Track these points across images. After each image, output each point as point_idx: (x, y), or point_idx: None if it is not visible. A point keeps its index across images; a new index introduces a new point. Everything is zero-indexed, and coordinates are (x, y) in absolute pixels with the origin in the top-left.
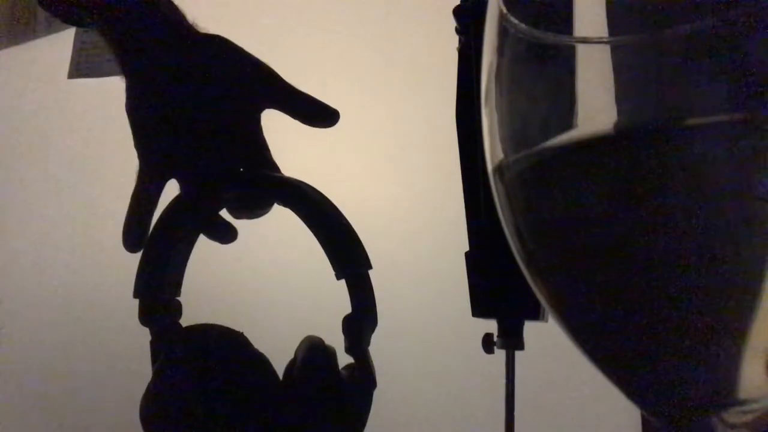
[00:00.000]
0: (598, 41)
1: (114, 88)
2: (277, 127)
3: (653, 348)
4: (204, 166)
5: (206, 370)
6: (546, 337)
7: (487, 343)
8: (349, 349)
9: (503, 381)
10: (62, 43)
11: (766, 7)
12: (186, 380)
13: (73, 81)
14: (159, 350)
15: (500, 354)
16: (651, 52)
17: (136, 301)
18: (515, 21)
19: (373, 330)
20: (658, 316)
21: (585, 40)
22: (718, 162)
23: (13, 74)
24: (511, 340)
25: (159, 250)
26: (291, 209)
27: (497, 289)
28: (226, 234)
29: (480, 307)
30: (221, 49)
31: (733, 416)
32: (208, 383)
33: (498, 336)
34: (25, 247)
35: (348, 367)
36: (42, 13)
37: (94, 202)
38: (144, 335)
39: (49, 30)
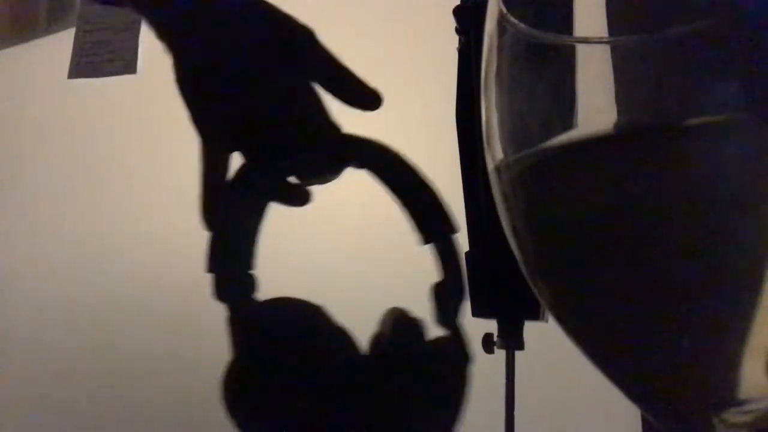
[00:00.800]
0: (598, 41)
1: (114, 88)
2: None
3: (653, 348)
4: (264, 132)
5: (289, 346)
6: (546, 337)
7: (487, 343)
8: (439, 320)
9: (503, 381)
10: (62, 43)
11: (765, 6)
12: (269, 356)
13: (73, 81)
14: (237, 326)
15: (500, 354)
16: (651, 52)
17: (138, 303)
18: (515, 21)
19: (463, 300)
20: (658, 316)
21: (585, 40)
22: (718, 162)
23: (13, 74)
24: (511, 340)
25: (229, 222)
26: (368, 170)
27: (497, 289)
28: (298, 197)
29: (480, 307)
30: (262, 13)
31: (733, 416)
32: (291, 359)
33: (498, 336)
34: (25, 247)
35: (437, 340)
36: (42, 13)
37: (95, 202)
38: (147, 336)
39: (49, 30)
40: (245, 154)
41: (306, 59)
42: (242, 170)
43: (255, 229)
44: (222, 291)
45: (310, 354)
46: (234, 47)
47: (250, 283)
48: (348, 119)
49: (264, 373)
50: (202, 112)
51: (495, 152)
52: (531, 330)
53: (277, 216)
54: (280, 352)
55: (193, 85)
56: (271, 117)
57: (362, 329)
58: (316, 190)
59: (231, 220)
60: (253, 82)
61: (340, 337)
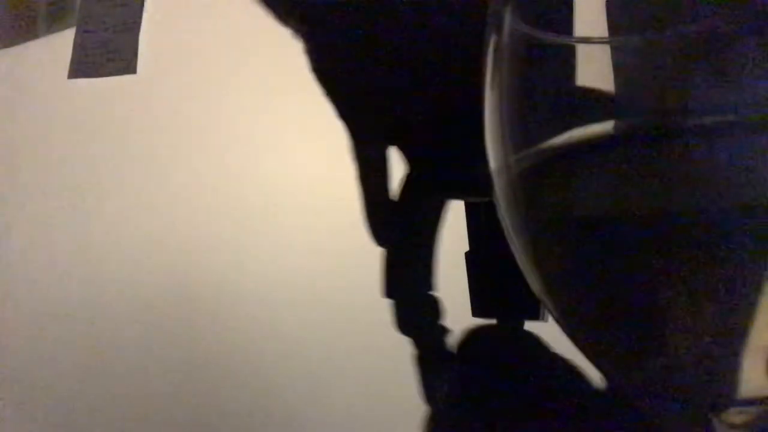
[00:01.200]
0: (598, 41)
1: (114, 88)
2: (274, 125)
3: (653, 348)
4: (432, 117)
5: (506, 384)
6: (546, 337)
7: None
8: None
9: None
10: (62, 43)
11: (766, 6)
12: (478, 401)
13: (73, 81)
14: (431, 366)
15: None
16: (651, 52)
17: (139, 303)
18: (515, 21)
19: None
20: (657, 317)
21: (585, 40)
22: (719, 162)
23: (13, 74)
24: None
25: (405, 235)
26: None
27: (497, 289)
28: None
29: (480, 307)
30: None
31: (733, 416)
32: (508, 401)
33: None
34: (25, 247)
35: None
36: (42, 13)
37: (95, 203)
38: (146, 337)
39: (49, 30)
40: (408, 147)
41: (463, 21)
42: (413, 167)
43: (434, 238)
44: (406, 322)
45: (532, 392)
46: (379, 21)
47: (435, 309)
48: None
49: (475, 422)
50: (352, 102)
51: (495, 152)
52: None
53: (272, 212)
54: (491, 393)
55: (339, 73)
56: (435, 97)
57: (363, 330)
58: (308, 184)
59: (407, 231)
60: (408, 59)
61: (568, 369)
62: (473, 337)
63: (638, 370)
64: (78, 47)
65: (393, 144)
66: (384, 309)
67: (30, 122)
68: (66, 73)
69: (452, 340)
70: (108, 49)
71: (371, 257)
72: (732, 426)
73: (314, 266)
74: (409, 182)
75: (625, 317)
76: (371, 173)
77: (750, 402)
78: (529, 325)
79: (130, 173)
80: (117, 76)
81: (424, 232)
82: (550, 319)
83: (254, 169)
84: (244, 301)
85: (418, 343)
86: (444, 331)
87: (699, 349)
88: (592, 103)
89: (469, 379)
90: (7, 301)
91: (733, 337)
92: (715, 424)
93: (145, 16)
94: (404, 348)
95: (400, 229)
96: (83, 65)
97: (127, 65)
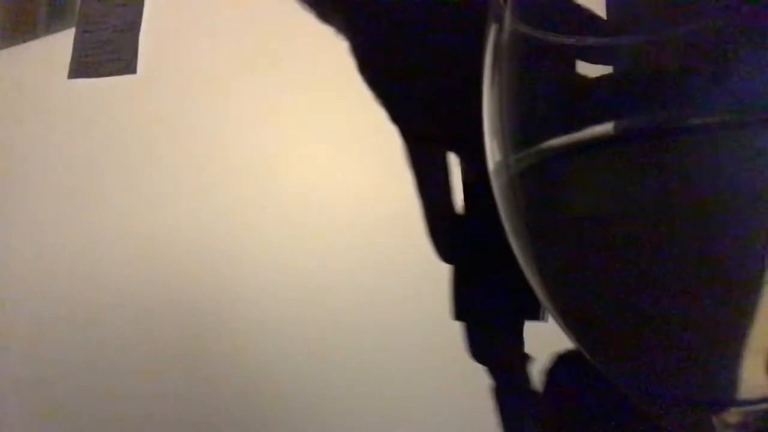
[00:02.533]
0: (598, 41)
1: (114, 88)
2: (274, 124)
3: (653, 348)
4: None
5: (600, 423)
6: (546, 337)
7: None
8: None
9: None
10: (62, 43)
11: (766, 7)
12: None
13: (73, 81)
14: (514, 396)
15: None
16: (651, 52)
17: (140, 303)
18: (515, 21)
19: None
20: (658, 317)
21: (585, 40)
22: (718, 162)
23: (13, 74)
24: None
25: (475, 251)
26: None
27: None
28: None
29: None
30: None
31: (732, 416)
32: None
33: None
34: (25, 247)
35: None
36: (42, 13)
37: (95, 203)
38: (147, 337)
39: (49, 30)
40: (471, 151)
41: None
42: (477, 173)
43: (505, 250)
44: (481, 349)
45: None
46: (434, 16)
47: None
48: (351, 119)
49: None
50: (407, 104)
51: (495, 152)
52: (531, 330)
53: (270, 210)
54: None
55: (391, 73)
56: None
57: (357, 330)
58: (314, 182)
59: (475, 244)
60: (466, 55)
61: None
62: (561, 365)
63: (638, 369)
64: (78, 47)
65: (454, 149)
66: (384, 309)
67: (30, 122)
68: (66, 73)
69: (536, 369)
70: (108, 49)
71: (373, 258)
72: (731, 426)
73: (314, 267)
74: (473, 190)
75: (625, 317)
76: (431, 182)
77: (750, 402)
78: (529, 325)
79: (130, 173)
80: (117, 76)
81: (493, 244)
82: (550, 319)
83: (255, 168)
84: (244, 301)
85: (496, 373)
86: (526, 358)
87: (699, 350)
88: (592, 103)
89: (557, 414)
90: (7, 302)
91: (733, 338)
92: (715, 424)
93: (145, 16)
94: (405, 349)
95: (468, 244)
96: (83, 65)
97: (127, 65)
